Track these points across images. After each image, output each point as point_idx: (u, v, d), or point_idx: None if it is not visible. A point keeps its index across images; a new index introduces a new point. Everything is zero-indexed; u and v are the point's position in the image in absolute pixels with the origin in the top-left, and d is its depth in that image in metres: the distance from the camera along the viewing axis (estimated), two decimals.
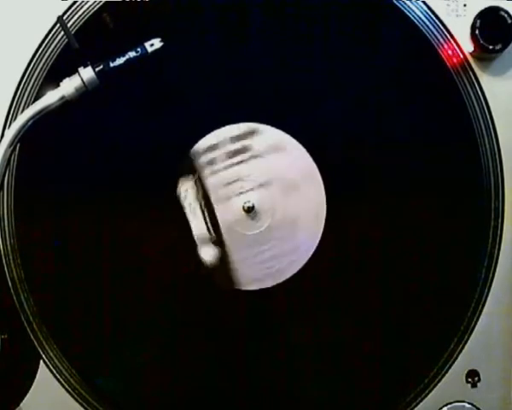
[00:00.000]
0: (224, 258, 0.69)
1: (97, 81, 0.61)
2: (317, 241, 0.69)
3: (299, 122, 0.69)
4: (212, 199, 0.69)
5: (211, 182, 0.69)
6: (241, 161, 0.69)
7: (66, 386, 0.68)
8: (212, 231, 0.68)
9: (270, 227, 0.69)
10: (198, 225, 0.68)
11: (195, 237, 0.68)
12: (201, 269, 0.68)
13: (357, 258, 0.69)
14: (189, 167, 0.69)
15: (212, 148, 0.68)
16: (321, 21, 0.69)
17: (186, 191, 0.68)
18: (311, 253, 0.69)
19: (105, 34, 0.67)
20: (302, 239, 0.69)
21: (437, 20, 0.69)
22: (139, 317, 0.69)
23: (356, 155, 0.69)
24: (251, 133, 0.69)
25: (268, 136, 0.69)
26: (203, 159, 0.68)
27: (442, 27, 0.69)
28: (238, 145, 0.69)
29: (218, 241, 0.69)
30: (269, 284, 0.69)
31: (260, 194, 0.69)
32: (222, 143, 0.68)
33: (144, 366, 0.69)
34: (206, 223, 0.68)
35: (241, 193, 0.69)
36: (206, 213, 0.68)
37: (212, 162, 0.68)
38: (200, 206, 0.68)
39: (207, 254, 0.69)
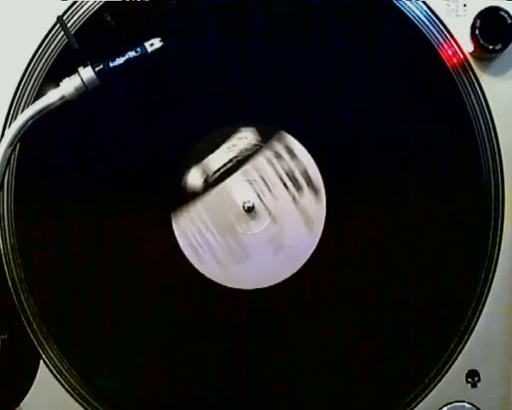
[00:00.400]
0: (194, 198, 0.69)
1: (97, 81, 0.61)
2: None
3: (299, 122, 0.69)
4: (243, 167, 0.69)
5: (258, 160, 0.69)
6: (286, 188, 0.69)
7: (66, 386, 0.68)
8: (214, 176, 0.68)
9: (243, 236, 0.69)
10: (215, 160, 0.69)
11: (204, 160, 0.68)
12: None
13: (356, 258, 0.69)
14: (268, 136, 0.69)
15: (291, 153, 0.69)
16: (321, 21, 0.69)
17: (244, 138, 0.68)
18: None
19: (105, 34, 0.67)
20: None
21: (437, 20, 0.69)
22: (139, 317, 0.69)
23: (356, 154, 0.69)
24: (315, 190, 0.69)
25: (316, 209, 0.69)
26: (277, 147, 0.68)
27: (442, 27, 0.69)
28: (301, 180, 0.69)
29: (207, 185, 0.69)
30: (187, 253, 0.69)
31: (263, 216, 0.69)
32: (297, 162, 0.69)
33: (144, 366, 0.69)
34: (220, 168, 0.69)
35: (257, 194, 0.69)
36: (229, 166, 0.69)
37: (277, 156, 0.68)
38: (234, 157, 0.68)
39: (193, 178, 0.69)
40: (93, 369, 0.69)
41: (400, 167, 0.69)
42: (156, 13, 0.67)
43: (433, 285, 0.69)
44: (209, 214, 0.69)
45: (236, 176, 0.69)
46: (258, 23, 0.69)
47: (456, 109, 0.69)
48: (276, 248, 0.69)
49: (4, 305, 0.67)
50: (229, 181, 0.69)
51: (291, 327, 0.70)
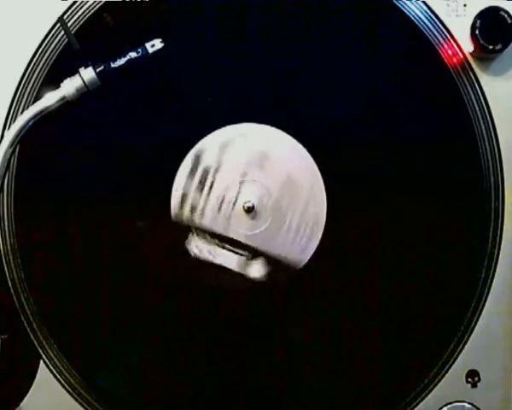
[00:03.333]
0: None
1: (98, 82, 0.61)
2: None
3: (299, 122, 0.69)
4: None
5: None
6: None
7: (67, 386, 0.68)
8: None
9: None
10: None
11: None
12: None
13: (357, 258, 0.69)
14: None
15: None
16: (321, 21, 0.69)
17: None
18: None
19: (105, 34, 0.67)
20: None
21: (437, 20, 0.69)
22: (139, 317, 0.69)
23: (356, 155, 0.69)
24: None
25: None
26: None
27: (442, 27, 0.69)
28: None
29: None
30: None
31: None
32: None
33: (144, 365, 0.69)
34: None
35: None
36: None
37: None
38: None
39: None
40: (93, 369, 0.69)
41: (400, 167, 0.69)
42: (156, 13, 0.67)
43: (433, 285, 0.69)
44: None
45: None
46: (258, 23, 0.69)
47: (456, 109, 0.69)
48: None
49: (4, 305, 0.67)
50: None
51: (291, 327, 0.70)
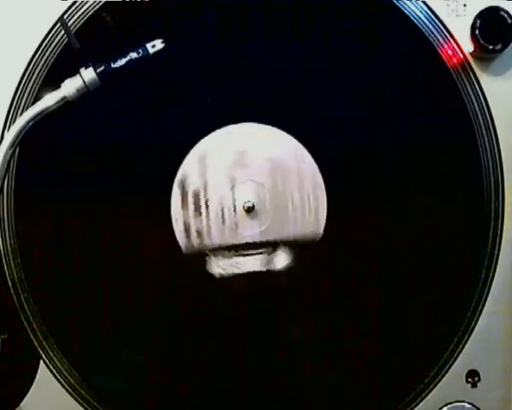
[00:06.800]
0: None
1: (99, 82, 0.61)
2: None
3: (299, 122, 0.69)
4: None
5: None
6: None
7: (66, 386, 0.68)
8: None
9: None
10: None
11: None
12: None
13: (357, 258, 0.69)
14: None
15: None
16: (321, 21, 0.69)
17: None
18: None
19: (104, 34, 0.67)
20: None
21: (437, 20, 0.69)
22: (139, 316, 0.69)
23: (356, 155, 0.69)
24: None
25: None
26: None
27: (442, 27, 0.69)
28: None
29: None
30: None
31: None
32: None
33: (144, 365, 0.69)
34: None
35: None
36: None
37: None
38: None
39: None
40: (93, 369, 0.69)
41: (400, 167, 0.69)
42: (156, 13, 0.67)
43: (434, 285, 0.69)
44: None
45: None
46: (258, 23, 0.69)
47: (456, 109, 0.69)
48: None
49: (4, 305, 0.67)
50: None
51: (291, 326, 0.70)
